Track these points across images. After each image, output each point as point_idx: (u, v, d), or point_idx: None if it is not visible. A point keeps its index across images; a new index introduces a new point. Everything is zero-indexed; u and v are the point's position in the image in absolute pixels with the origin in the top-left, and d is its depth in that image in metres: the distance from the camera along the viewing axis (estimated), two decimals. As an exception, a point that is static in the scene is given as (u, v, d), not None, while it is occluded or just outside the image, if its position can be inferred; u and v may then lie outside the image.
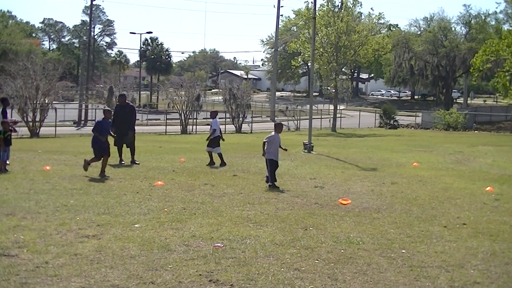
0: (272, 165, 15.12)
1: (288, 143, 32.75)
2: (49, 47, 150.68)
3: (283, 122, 55.98)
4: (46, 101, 40.72)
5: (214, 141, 19.74)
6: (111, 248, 8.41)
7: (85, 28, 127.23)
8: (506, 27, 76.92)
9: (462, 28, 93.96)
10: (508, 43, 47.67)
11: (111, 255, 8.07)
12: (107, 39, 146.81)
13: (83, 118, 54.51)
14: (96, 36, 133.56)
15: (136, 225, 9.93)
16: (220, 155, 19.68)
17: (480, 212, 12.21)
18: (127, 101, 21.18)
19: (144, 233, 9.39)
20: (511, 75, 48.71)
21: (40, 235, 9.06)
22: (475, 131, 52.74)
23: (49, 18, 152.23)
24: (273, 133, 15.45)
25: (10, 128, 17.27)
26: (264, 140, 15.30)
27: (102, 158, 16.40)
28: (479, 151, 28.30)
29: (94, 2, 67.99)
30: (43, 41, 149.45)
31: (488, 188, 15.30)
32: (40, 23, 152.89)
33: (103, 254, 8.11)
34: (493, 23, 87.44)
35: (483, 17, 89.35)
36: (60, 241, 8.78)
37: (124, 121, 19.47)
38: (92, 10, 73.34)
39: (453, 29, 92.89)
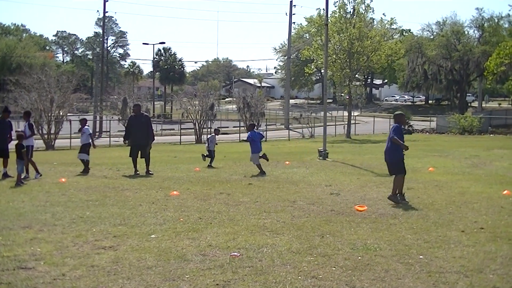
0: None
1: (303, 150, 32.85)
2: (63, 59, 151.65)
3: (297, 130, 56.62)
4: (61, 113, 41.12)
5: (83, 147, 20.13)
6: (128, 259, 8.41)
7: (98, 40, 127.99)
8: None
9: (475, 31, 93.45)
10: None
11: (128, 266, 8.07)
12: (120, 51, 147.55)
13: (97, 129, 54.78)
14: (109, 48, 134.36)
15: (152, 236, 9.94)
16: (83, 161, 20.00)
17: (498, 216, 12.10)
18: (141, 111, 21.28)
19: (160, 243, 9.39)
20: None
21: (57, 247, 9.08)
22: (491, 135, 52.31)
23: (62, 31, 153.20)
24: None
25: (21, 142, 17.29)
26: None
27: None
28: (495, 154, 28.11)
29: (106, 14, 68.53)
30: (57, 53, 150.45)
31: (505, 192, 15.15)
32: (53, 36, 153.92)
33: (120, 265, 8.11)
34: (506, 26, 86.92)
35: (496, 20, 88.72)
36: (76, 253, 8.80)
37: (141, 131, 19.54)
38: (105, 22, 73.80)
39: (466, 32, 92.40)
